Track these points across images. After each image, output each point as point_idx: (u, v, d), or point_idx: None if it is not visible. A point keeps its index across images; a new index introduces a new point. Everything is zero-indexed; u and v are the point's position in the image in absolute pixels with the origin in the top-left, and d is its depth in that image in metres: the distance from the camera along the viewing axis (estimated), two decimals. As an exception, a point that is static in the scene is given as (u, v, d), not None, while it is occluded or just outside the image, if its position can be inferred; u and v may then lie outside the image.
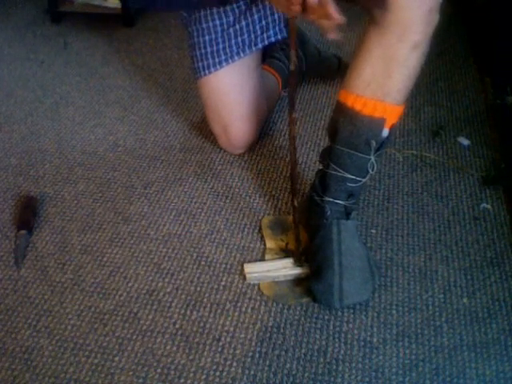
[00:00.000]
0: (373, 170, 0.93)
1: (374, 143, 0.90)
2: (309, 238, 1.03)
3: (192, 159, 1.30)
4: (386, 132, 0.90)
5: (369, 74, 0.86)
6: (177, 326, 0.94)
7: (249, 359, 0.89)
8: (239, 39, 1.18)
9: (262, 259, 1.05)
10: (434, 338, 0.91)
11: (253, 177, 1.24)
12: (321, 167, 1.02)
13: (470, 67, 1.58)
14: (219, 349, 0.91)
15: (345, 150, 0.92)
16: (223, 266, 1.04)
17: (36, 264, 1.06)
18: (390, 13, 0.79)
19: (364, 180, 0.95)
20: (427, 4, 0.79)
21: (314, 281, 0.96)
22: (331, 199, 0.97)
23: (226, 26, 1.16)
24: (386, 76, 0.85)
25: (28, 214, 1.14)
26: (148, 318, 0.96)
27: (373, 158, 0.92)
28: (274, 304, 0.97)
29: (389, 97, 0.87)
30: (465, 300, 0.97)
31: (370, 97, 0.87)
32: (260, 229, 1.11)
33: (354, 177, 0.94)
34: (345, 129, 0.90)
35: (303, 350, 0.90)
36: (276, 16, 1.18)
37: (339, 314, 0.95)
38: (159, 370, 0.88)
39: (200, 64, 1.21)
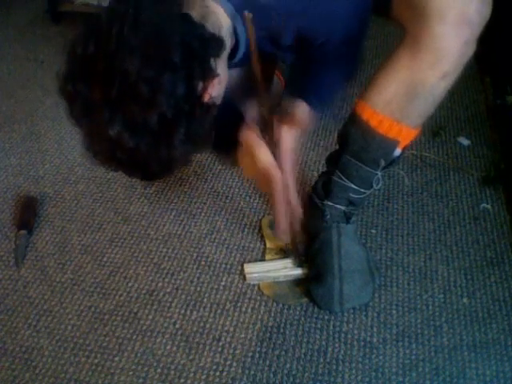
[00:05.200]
0: (377, 186, 0.92)
1: (382, 162, 0.88)
2: (308, 240, 1.03)
3: (192, 159, 1.30)
4: (397, 152, 0.88)
5: (392, 93, 0.82)
6: (177, 325, 0.94)
7: (249, 359, 0.89)
8: None
9: (262, 259, 1.05)
10: (434, 338, 0.91)
11: (253, 177, 1.24)
12: (325, 170, 1.01)
13: (470, 67, 1.57)
14: (219, 349, 0.91)
15: (352, 161, 0.90)
16: (223, 266, 1.04)
17: (36, 264, 1.06)
18: (426, 39, 0.76)
19: (367, 192, 0.94)
20: (465, 35, 0.76)
21: (314, 285, 0.96)
22: (331, 203, 0.97)
23: None
24: (409, 99, 0.82)
25: (28, 214, 1.14)
26: (148, 318, 0.96)
27: (379, 174, 0.91)
28: (274, 304, 0.97)
29: (407, 120, 0.84)
30: (465, 300, 0.97)
31: (387, 116, 0.84)
32: (260, 229, 1.11)
33: (357, 188, 0.93)
34: (356, 142, 0.88)
35: (303, 350, 0.90)
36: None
37: (339, 314, 0.95)
38: (159, 370, 0.88)
39: None
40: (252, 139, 0.90)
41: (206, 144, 0.77)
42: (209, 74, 0.72)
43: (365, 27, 0.97)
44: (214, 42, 0.74)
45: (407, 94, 0.81)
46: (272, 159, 0.89)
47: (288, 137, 0.93)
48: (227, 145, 0.97)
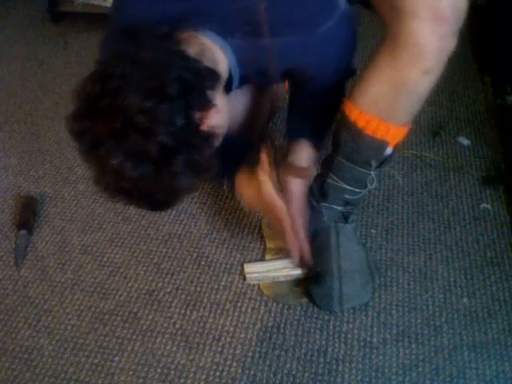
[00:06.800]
0: (372, 185, 0.92)
1: (374, 162, 0.88)
2: (307, 241, 1.03)
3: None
4: (389, 151, 0.89)
5: (376, 92, 0.83)
6: (177, 326, 0.94)
7: (249, 359, 0.89)
8: None
9: (262, 259, 1.05)
10: (434, 338, 0.91)
11: (253, 177, 1.24)
12: (320, 172, 1.01)
13: (470, 67, 1.58)
14: (219, 349, 0.91)
15: (345, 163, 0.90)
16: (223, 266, 1.04)
17: (36, 264, 1.06)
18: (403, 36, 0.77)
19: (363, 192, 0.94)
20: (440, 31, 0.76)
21: (314, 285, 0.96)
22: (328, 205, 0.97)
23: None
24: (393, 98, 0.82)
25: (28, 214, 1.14)
26: (148, 318, 0.96)
27: (373, 174, 0.91)
28: (274, 304, 0.97)
29: (394, 118, 0.84)
30: (465, 300, 0.97)
31: (374, 115, 0.84)
32: (260, 229, 1.11)
33: (352, 188, 0.93)
34: (347, 144, 0.89)
35: (303, 350, 0.90)
36: None
37: (339, 314, 0.95)
38: (159, 370, 0.88)
39: None
40: (262, 172, 0.94)
41: (209, 172, 0.80)
42: (206, 105, 0.76)
43: (352, 58, 0.99)
44: (209, 75, 0.78)
45: (391, 92, 0.82)
46: (275, 194, 0.93)
47: (294, 183, 0.96)
48: (229, 171, 1.01)
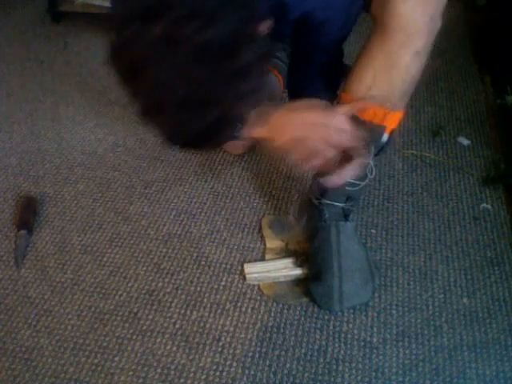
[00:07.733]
0: (371, 175, 0.92)
1: (372, 149, 0.89)
2: (307, 240, 1.03)
3: (192, 159, 1.30)
4: (385, 137, 0.89)
5: (370, 79, 0.85)
6: (177, 325, 0.94)
7: (249, 359, 0.89)
8: None
9: (262, 259, 1.05)
10: (434, 338, 0.91)
11: (253, 177, 1.24)
12: None
13: (470, 67, 1.58)
14: (219, 349, 0.91)
15: None
16: (223, 266, 1.04)
17: (36, 264, 1.06)
18: (394, 20, 0.79)
19: (363, 184, 0.95)
20: (429, 12, 0.78)
21: (314, 284, 0.96)
22: (329, 202, 0.97)
23: None
24: (387, 83, 0.84)
25: (28, 214, 1.14)
26: (148, 318, 0.96)
27: (371, 163, 0.91)
28: (274, 304, 0.97)
29: (390, 103, 0.86)
30: (465, 300, 0.97)
31: (369, 102, 0.86)
32: (260, 229, 1.11)
33: (352, 180, 0.93)
34: None
35: (303, 350, 0.90)
36: None
37: (339, 313, 0.95)
38: (159, 370, 0.88)
39: None
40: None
41: (263, 92, 0.72)
42: (257, 14, 0.70)
43: (356, 21, 1.02)
44: None
45: (385, 77, 0.84)
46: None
47: None
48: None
